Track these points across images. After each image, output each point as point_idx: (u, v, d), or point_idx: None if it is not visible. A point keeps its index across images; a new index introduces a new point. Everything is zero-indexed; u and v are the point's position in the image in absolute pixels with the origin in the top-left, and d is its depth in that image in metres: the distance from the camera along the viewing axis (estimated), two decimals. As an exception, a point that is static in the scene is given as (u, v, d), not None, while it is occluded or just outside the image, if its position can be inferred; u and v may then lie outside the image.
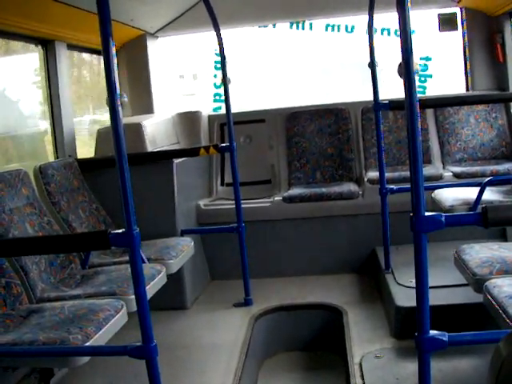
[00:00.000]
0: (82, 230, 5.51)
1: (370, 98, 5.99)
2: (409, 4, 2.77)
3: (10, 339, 3.57)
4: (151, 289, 4.46)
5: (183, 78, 10.30)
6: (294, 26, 8.40)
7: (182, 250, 5.47)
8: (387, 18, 8.11)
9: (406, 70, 2.76)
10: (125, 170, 3.11)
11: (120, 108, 3.10)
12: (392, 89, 8.41)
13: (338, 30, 8.36)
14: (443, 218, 2.81)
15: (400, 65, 2.78)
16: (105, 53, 3.05)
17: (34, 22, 5.56)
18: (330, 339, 5.87)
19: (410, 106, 2.76)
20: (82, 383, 4.72)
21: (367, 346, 4.99)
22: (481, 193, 4.88)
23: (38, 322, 3.85)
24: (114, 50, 3.09)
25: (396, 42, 8.05)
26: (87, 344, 3.46)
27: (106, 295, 4.27)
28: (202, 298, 6.62)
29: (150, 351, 3.35)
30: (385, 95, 6.20)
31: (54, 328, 3.66)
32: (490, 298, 3.48)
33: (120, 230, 3.20)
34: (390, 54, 7.70)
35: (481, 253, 4.15)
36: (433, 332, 2.92)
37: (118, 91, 3.10)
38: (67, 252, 4.82)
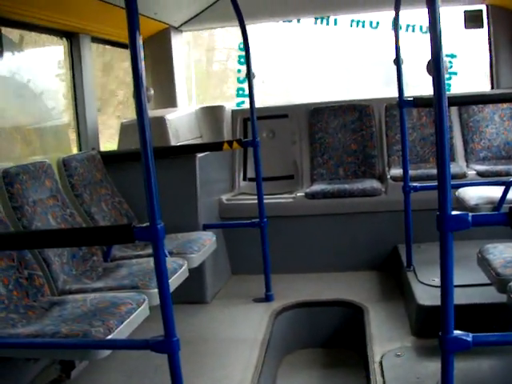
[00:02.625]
0: (105, 222, 5.53)
1: (393, 94, 5.96)
2: (439, 1, 2.75)
3: (32, 331, 3.59)
4: (173, 283, 4.45)
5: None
6: (319, 21, 8.36)
7: (204, 244, 5.47)
8: (412, 15, 8.07)
9: (436, 67, 2.73)
10: (150, 164, 3.11)
11: (146, 101, 3.10)
12: (412, 85, 8.40)
13: (363, 26, 8.32)
14: (470, 218, 2.78)
15: (429, 62, 2.74)
16: (132, 46, 3.05)
17: (58, 14, 5.58)
18: (350, 336, 5.85)
19: (438, 104, 2.73)
20: (102, 375, 4.72)
21: (388, 344, 4.95)
22: (506, 192, 4.84)
23: (60, 314, 3.87)
24: (140, 43, 3.08)
25: (419, 38, 8.05)
26: (109, 337, 3.47)
27: (128, 288, 4.28)
28: (223, 293, 6.61)
29: (173, 346, 3.34)
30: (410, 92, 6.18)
31: (76, 320, 3.67)
32: None
33: (144, 224, 3.19)
34: (413, 50, 7.66)
35: (505, 253, 4.12)
36: (457, 332, 2.89)
37: (144, 84, 3.10)
38: (91, 245, 4.83)
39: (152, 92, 7.49)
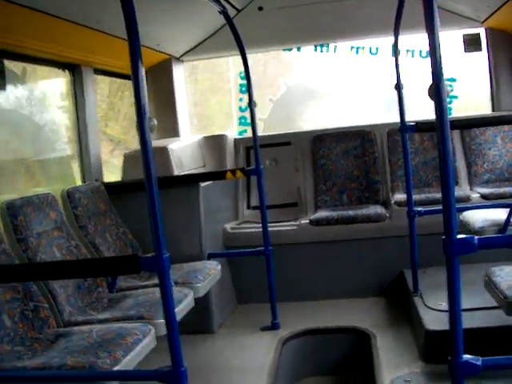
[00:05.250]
0: (110, 253, 5.51)
1: (395, 119, 5.98)
2: (437, 25, 2.76)
3: (38, 363, 3.56)
4: (179, 313, 4.42)
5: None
6: (318, 48, 8.39)
7: (209, 273, 5.44)
8: (411, 40, 8.11)
9: (437, 91, 2.74)
10: (154, 195, 3.11)
11: (149, 132, 3.11)
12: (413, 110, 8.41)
13: (363, 52, 8.35)
14: (476, 241, 2.78)
15: (431, 86, 2.75)
16: (134, 77, 3.06)
17: (60, 46, 5.62)
18: (357, 363, 5.82)
19: (441, 128, 2.74)
20: None
21: (396, 370, 4.91)
22: (511, 214, 4.83)
23: (66, 345, 3.84)
24: (143, 74, 3.10)
25: (419, 63, 8.08)
26: (116, 368, 3.44)
27: (134, 319, 4.25)
28: (229, 322, 6.59)
29: (180, 376, 3.32)
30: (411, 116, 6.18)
31: (82, 352, 3.63)
32: None
33: (150, 255, 3.19)
34: (413, 75, 7.68)
35: (512, 275, 4.10)
36: (466, 356, 2.88)
37: (147, 115, 3.11)
38: (98, 276, 4.82)
39: (155, 122, 7.52)
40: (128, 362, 3.58)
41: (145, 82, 3.12)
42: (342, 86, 9.08)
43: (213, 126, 9.79)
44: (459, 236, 2.78)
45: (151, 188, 3.11)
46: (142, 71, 3.10)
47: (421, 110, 8.33)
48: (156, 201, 3.12)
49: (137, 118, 3.08)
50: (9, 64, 5.50)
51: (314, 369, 5.98)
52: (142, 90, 3.07)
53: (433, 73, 2.77)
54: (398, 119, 5.88)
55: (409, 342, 5.47)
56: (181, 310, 4.53)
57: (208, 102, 10.06)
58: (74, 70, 6.20)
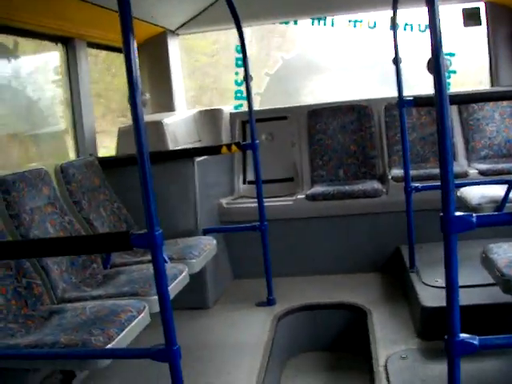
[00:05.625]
0: (104, 229, 5.47)
1: (392, 94, 5.93)
2: (437, -1, 2.71)
3: (31, 341, 3.54)
4: (173, 289, 4.41)
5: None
6: (316, 22, 8.32)
7: (205, 249, 5.41)
8: (410, 14, 8.04)
9: (436, 65, 2.69)
10: (147, 170, 3.06)
11: (141, 106, 3.05)
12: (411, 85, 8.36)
13: (361, 26, 8.28)
14: (474, 219, 2.74)
15: (429, 60, 2.70)
16: (126, 50, 3.00)
17: (53, 20, 5.55)
18: (353, 339, 5.82)
19: (440, 103, 2.69)
20: None
21: (392, 346, 4.92)
22: (508, 191, 4.80)
23: (60, 323, 3.82)
24: (135, 47, 3.03)
25: (418, 37, 8.01)
26: (109, 346, 3.41)
27: (128, 296, 4.23)
28: (225, 298, 6.58)
29: (173, 354, 3.29)
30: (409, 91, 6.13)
31: (75, 329, 3.61)
32: None
33: (142, 231, 3.15)
34: (411, 49, 7.63)
35: (509, 252, 4.08)
36: (463, 335, 2.85)
37: (139, 89, 3.05)
38: (88, 253, 4.78)
39: (148, 96, 7.46)
40: (121, 339, 3.55)
41: (136, 55, 3.06)
42: (340, 59, 9.01)
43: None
44: (457, 213, 2.74)
45: (143, 163, 3.06)
46: (134, 44, 3.03)
47: (420, 84, 8.29)
48: (148, 176, 3.07)
49: (129, 92, 3.02)
50: (0, 37, 5.44)
51: (309, 345, 5.97)
52: (133, 64, 3.01)
53: (432, 47, 2.72)
54: (395, 94, 5.82)
55: (405, 319, 5.47)
56: (175, 286, 4.50)
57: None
58: (67, 43, 6.13)
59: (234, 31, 5.93)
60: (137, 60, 3.05)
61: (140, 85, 3.06)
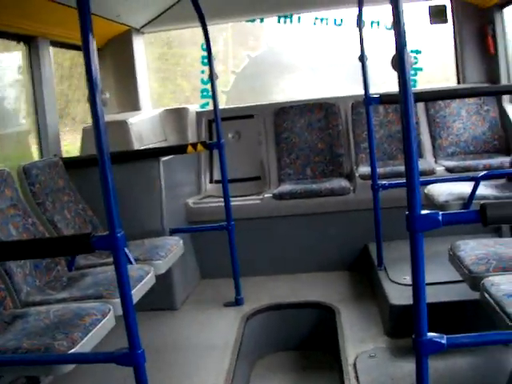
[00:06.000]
0: (68, 230, 5.40)
1: (359, 92, 5.93)
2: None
3: (-7, 346, 3.47)
4: (139, 291, 4.37)
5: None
6: (282, 19, 8.29)
7: (171, 249, 5.36)
8: (377, 11, 8.04)
9: (400, 62, 2.67)
10: (107, 170, 3.00)
11: (101, 105, 2.99)
12: (379, 82, 8.37)
13: (327, 23, 8.27)
14: (440, 217, 2.72)
15: (394, 57, 2.68)
16: (85, 49, 2.94)
17: (15, 18, 5.47)
18: (323, 338, 5.81)
19: (404, 100, 2.67)
20: None
21: (361, 345, 4.93)
22: (475, 188, 4.80)
23: (23, 327, 3.74)
24: (94, 46, 2.97)
25: (385, 35, 8.02)
26: (73, 350, 3.36)
27: (93, 298, 4.17)
28: (193, 298, 6.54)
29: (137, 358, 3.24)
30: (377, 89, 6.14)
31: (38, 334, 3.55)
32: (487, 296, 3.42)
33: (104, 233, 3.09)
34: (379, 47, 7.63)
35: (476, 249, 4.09)
36: (431, 334, 2.84)
37: (99, 88, 2.99)
38: (49, 257, 4.71)
39: (108, 95, 7.37)
40: (86, 343, 3.50)
41: (96, 54, 3.00)
42: (308, 57, 9.01)
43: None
44: (423, 212, 2.72)
45: (103, 163, 3.00)
46: (93, 42, 2.97)
47: (388, 82, 8.31)
48: (109, 176, 3.01)
49: (88, 91, 2.96)
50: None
51: (278, 344, 5.95)
52: (92, 62, 2.95)
53: (396, 44, 2.70)
54: (362, 91, 5.82)
55: (374, 317, 5.48)
56: (141, 288, 4.46)
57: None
58: (29, 42, 6.03)
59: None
60: (96, 58, 2.99)
61: (100, 84, 3.00)
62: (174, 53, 10.27)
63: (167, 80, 10.45)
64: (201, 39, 6.32)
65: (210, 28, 5.97)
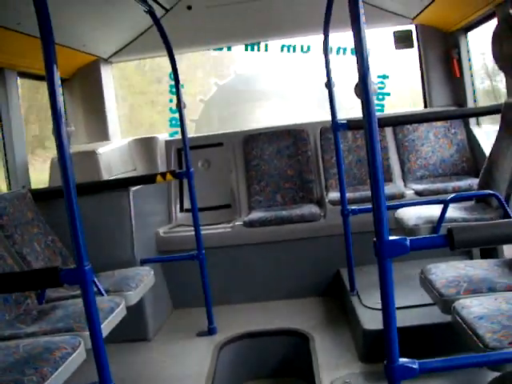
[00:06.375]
0: (38, 263, 5.34)
1: (328, 118, 5.97)
2: (363, 20, 2.71)
3: (-40, 384, 3.41)
4: (110, 323, 4.33)
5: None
6: (249, 47, 8.34)
7: (142, 280, 5.32)
8: (343, 38, 8.11)
9: (364, 89, 2.69)
10: (73, 203, 2.99)
11: (66, 138, 2.98)
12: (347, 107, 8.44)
13: (294, 51, 8.33)
14: (408, 242, 2.73)
15: (357, 84, 2.70)
16: (49, 80, 2.94)
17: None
18: (297, 365, 5.80)
19: (368, 127, 2.69)
20: None
21: (335, 371, 4.90)
22: (444, 211, 4.82)
23: (-8, 362, 3.69)
24: (57, 76, 2.96)
25: (352, 61, 8.08)
26: (43, 386, 3.31)
27: (64, 331, 4.12)
28: (165, 328, 6.49)
29: None
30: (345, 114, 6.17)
31: (8, 369, 3.48)
32: (458, 319, 3.42)
33: (71, 266, 3.06)
34: (346, 73, 7.68)
35: (447, 272, 4.11)
36: (402, 360, 2.83)
37: (63, 120, 2.98)
38: (17, 291, 4.65)
39: (73, 128, 7.35)
40: (56, 378, 3.44)
41: (59, 85, 2.99)
42: (276, 84, 9.05)
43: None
44: (391, 237, 2.73)
45: (69, 196, 2.99)
46: (57, 73, 2.96)
47: (355, 107, 8.38)
48: (75, 210, 3.00)
49: (53, 123, 2.95)
50: None
51: (253, 372, 5.94)
52: (57, 93, 2.94)
53: (359, 71, 2.72)
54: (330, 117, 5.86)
55: (347, 343, 5.46)
56: (112, 319, 4.41)
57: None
58: (-4, 73, 6.01)
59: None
60: (59, 90, 2.98)
61: (63, 115, 2.99)
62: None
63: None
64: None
65: (177, 57, 6.00)
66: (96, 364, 3.21)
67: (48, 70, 2.94)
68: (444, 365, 2.98)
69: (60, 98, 2.97)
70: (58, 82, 2.97)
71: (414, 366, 2.83)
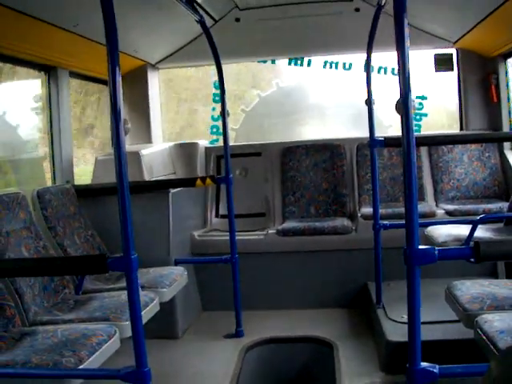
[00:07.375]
0: (77, 255, 5.51)
1: (365, 135, 6.07)
2: (407, 43, 2.84)
3: (2, 361, 3.57)
4: (144, 316, 4.41)
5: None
6: (293, 62, 8.49)
7: (175, 279, 5.48)
8: (384, 57, 8.22)
9: (404, 106, 2.81)
10: (126, 196, 3.15)
11: (124, 135, 3.15)
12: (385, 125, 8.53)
13: (336, 67, 8.46)
14: (436, 252, 2.84)
15: (398, 101, 2.83)
16: (112, 83, 3.10)
17: (38, 48, 5.60)
18: (320, 373, 5.86)
19: (406, 143, 2.80)
20: None
21: (357, 380, 4.97)
22: (473, 230, 4.89)
23: (31, 344, 3.84)
24: (120, 80, 3.14)
25: (391, 80, 8.20)
26: (80, 367, 3.46)
27: (100, 320, 4.27)
28: (193, 328, 6.61)
29: (144, 376, 3.35)
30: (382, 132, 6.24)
31: (46, 351, 3.65)
32: (480, 332, 3.50)
33: (118, 255, 3.23)
34: (385, 91, 7.79)
35: (472, 289, 4.18)
36: (424, 364, 2.94)
37: (122, 119, 3.15)
38: (65, 274, 4.82)
39: (129, 125, 7.53)
40: (92, 361, 3.59)
41: (121, 88, 3.17)
42: (315, 99, 9.15)
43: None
44: (420, 247, 2.84)
45: (122, 189, 3.15)
46: (119, 77, 3.14)
47: (394, 125, 8.47)
48: (127, 202, 3.16)
49: (112, 122, 3.12)
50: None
51: (276, 377, 6.00)
52: (118, 95, 3.11)
53: (401, 89, 2.84)
54: (367, 134, 5.96)
55: (370, 353, 5.53)
56: (146, 313, 4.54)
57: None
58: (49, 71, 6.19)
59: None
60: (121, 91, 3.15)
61: (123, 115, 3.16)
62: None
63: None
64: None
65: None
66: (134, 349, 3.34)
67: (111, 73, 3.10)
68: (464, 371, 3.08)
69: (120, 99, 3.15)
70: (119, 85, 3.14)
71: (435, 371, 2.93)
